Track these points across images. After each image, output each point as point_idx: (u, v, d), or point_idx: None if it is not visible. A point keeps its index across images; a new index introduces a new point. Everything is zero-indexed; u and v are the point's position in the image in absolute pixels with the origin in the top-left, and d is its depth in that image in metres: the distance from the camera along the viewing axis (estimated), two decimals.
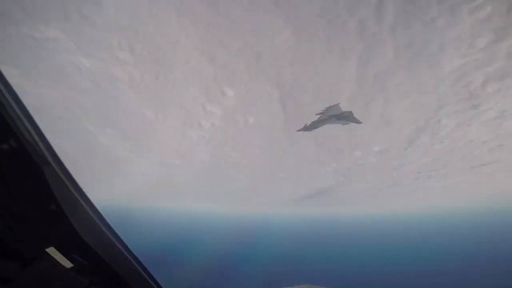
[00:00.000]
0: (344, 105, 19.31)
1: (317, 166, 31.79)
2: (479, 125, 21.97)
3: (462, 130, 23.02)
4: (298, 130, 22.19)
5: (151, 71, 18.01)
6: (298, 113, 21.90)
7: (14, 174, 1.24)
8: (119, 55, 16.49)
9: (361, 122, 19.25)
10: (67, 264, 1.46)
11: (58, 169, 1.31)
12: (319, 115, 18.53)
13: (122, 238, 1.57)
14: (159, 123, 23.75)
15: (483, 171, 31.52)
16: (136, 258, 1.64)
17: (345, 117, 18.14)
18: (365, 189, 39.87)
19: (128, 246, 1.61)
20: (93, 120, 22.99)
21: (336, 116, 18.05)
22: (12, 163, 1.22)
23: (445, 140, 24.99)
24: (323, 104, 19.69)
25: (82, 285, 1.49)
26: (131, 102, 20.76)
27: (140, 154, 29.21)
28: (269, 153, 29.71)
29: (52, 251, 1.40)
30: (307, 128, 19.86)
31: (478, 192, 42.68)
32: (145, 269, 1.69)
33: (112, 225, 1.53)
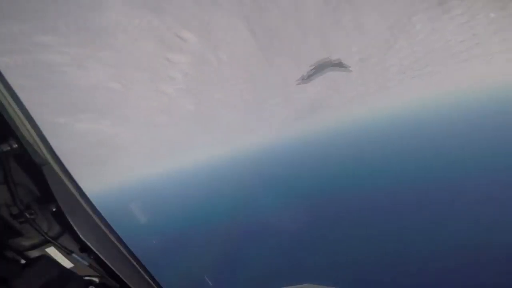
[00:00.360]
0: (312, 21, 20.06)
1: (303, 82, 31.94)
2: (454, 27, 23.32)
3: (438, 32, 24.20)
4: (297, 82, 23.35)
5: (89, 44, 16.34)
6: (269, 36, 21.49)
7: (14, 174, 1.24)
8: (41, 40, 14.62)
9: (351, 70, 21.39)
10: (67, 264, 1.47)
11: (57, 169, 1.32)
12: (313, 67, 20.32)
13: (122, 237, 1.57)
14: (129, 91, 22.77)
15: (464, 67, 33.88)
16: (136, 258, 1.64)
17: (336, 65, 20.30)
18: (354, 97, 40.39)
19: (128, 246, 1.61)
20: (59, 112, 21.80)
21: (328, 65, 20.00)
22: (12, 163, 1.23)
23: (423, 42, 26.15)
24: (292, 21, 20.15)
25: (82, 285, 1.49)
26: (88, 80, 19.50)
27: (124, 126, 28.73)
28: (252, 83, 29.33)
29: (52, 251, 1.41)
30: (304, 79, 22.13)
31: (461, 85, 44.60)
32: (145, 269, 1.69)
33: (112, 225, 1.53)
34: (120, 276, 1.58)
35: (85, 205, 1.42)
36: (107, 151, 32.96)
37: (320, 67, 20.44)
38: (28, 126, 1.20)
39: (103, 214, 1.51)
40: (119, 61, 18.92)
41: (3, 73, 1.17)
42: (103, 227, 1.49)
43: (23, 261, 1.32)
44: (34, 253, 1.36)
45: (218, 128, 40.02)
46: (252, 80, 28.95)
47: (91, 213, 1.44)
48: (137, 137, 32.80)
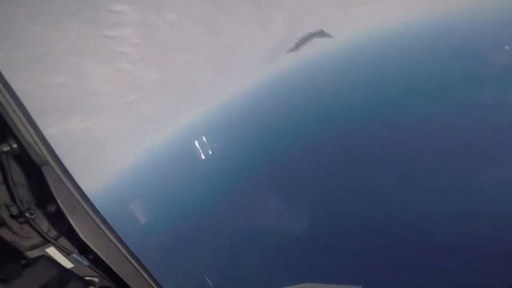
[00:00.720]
0: None
1: (263, 20, 30.49)
2: None
3: None
4: (287, 51, 26.91)
5: (8, 47, 14.48)
6: None
7: (14, 174, 1.24)
8: None
9: (333, 37, 25.84)
10: (67, 264, 1.47)
11: (57, 169, 1.32)
12: (300, 39, 25.43)
13: (122, 237, 1.57)
14: (82, 80, 21.12)
15: None
16: (136, 258, 1.64)
17: (319, 34, 26.51)
18: (319, 26, 39.13)
19: (128, 246, 1.61)
20: None
21: (312, 36, 25.68)
22: (12, 163, 1.23)
23: None
24: None
25: (82, 285, 1.49)
26: (31, 82, 17.72)
27: (96, 117, 27.52)
28: (211, 34, 27.97)
29: (52, 251, 1.41)
30: (293, 48, 26.71)
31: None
32: (145, 269, 1.69)
33: (112, 225, 1.53)
34: (120, 276, 1.58)
35: (85, 205, 1.42)
36: (88, 147, 31.70)
37: (306, 37, 25.49)
38: (28, 126, 1.20)
39: (103, 214, 1.51)
40: (53, 53, 17.12)
41: (3, 73, 1.18)
42: (103, 227, 1.49)
43: (23, 261, 1.33)
44: (34, 253, 1.36)
45: (190, 88, 38.19)
46: (210, 31, 27.29)
47: (91, 213, 1.44)
48: (115, 122, 31.34)
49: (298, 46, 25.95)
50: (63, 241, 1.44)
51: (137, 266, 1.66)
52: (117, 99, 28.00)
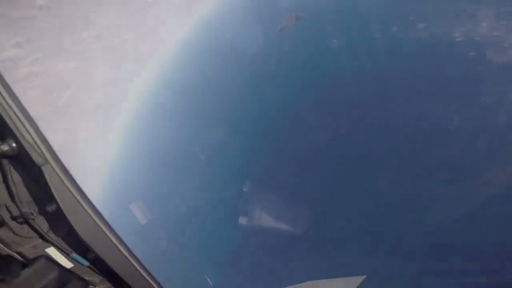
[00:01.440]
0: None
1: None
2: None
3: None
4: (275, 34, 29.36)
5: None
6: None
7: (14, 174, 1.24)
8: None
9: (305, 17, 28.81)
10: (67, 264, 1.47)
11: (57, 169, 1.32)
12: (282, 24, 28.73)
13: (122, 237, 1.57)
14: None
15: None
16: (136, 258, 1.64)
17: (299, 18, 29.33)
18: None
19: (128, 246, 1.61)
20: None
21: (295, 17, 29.03)
22: (12, 163, 1.23)
23: None
24: None
25: (82, 285, 1.49)
26: None
27: (52, 130, 25.04)
28: (120, 4, 24.31)
29: (52, 251, 1.41)
30: (277, 31, 29.32)
31: None
32: (145, 269, 1.69)
33: (112, 225, 1.53)
34: (120, 276, 1.58)
35: (85, 205, 1.42)
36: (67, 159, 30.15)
37: (288, 21, 28.73)
38: (28, 126, 1.20)
39: (103, 214, 1.50)
40: None
41: (3, 74, 1.18)
42: (103, 227, 1.49)
43: (23, 261, 1.33)
44: (34, 253, 1.36)
45: (130, 55, 31.87)
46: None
47: (91, 213, 1.44)
48: (75, 124, 28.25)
49: (281, 30, 29.13)
50: (63, 241, 1.44)
51: (137, 266, 1.66)
52: (50, 103, 24.36)
